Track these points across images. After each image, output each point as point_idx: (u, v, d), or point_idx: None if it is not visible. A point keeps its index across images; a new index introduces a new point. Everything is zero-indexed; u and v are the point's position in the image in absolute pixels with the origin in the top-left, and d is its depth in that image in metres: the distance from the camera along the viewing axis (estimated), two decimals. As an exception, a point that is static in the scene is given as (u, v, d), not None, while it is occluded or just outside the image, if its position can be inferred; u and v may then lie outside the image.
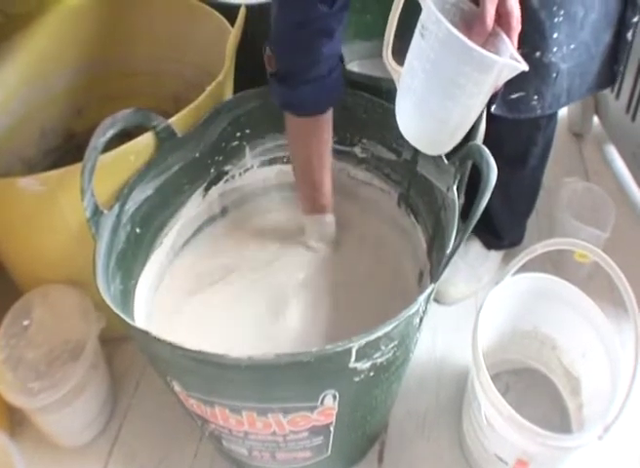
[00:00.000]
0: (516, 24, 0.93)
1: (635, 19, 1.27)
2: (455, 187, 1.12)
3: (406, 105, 1.05)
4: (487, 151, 1.03)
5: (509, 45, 0.92)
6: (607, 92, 1.99)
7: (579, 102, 2.10)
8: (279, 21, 1.16)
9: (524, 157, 1.51)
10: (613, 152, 2.10)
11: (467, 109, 0.99)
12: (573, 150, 2.14)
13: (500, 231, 1.70)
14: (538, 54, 1.21)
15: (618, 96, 1.93)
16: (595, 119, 2.15)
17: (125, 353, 1.58)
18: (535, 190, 1.66)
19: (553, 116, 1.46)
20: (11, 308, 1.38)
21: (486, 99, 0.99)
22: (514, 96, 1.27)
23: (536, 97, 1.27)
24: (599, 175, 2.04)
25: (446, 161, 1.17)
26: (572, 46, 1.23)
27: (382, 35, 1.88)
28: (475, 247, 1.73)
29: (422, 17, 0.93)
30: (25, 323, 1.39)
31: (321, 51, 1.15)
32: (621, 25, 1.28)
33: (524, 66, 0.91)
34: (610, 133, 2.07)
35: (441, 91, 0.96)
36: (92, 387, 1.38)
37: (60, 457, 1.44)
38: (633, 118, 1.85)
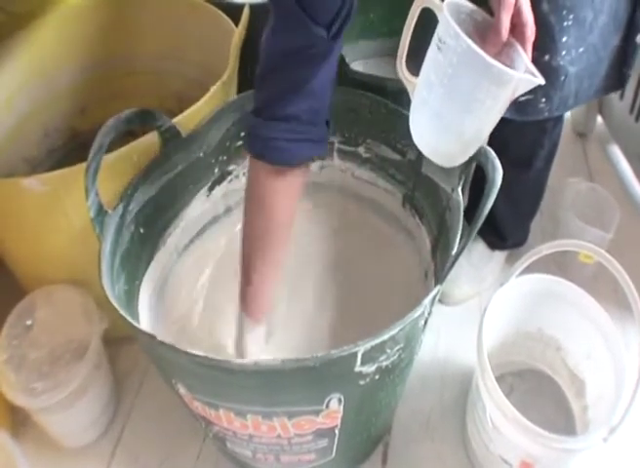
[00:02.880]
0: (531, 35, 0.93)
1: None
2: (459, 188, 1.12)
3: (422, 118, 1.04)
4: (492, 153, 1.03)
5: (524, 56, 0.93)
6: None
7: (583, 102, 2.11)
8: (270, 47, 1.06)
9: (529, 159, 1.51)
10: (616, 152, 2.10)
11: (484, 123, 1.00)
12: (576, 150, 2.14)
13: (504, 232, 1.69)
14: (547, 57, 1.21)
15: (622, 96, 1.94)
16: (599, 119, 2.15)
17: (128, 353, 1.58)
18: (539, 192, 1.66)
19: (559, 119, 1.45)
20: (14, 308, 1.39)
21: (502, 112, 0.99)
22: (522, 98, 1.25)
23: (543, 99, 1.27)
24: (603, 175, 2.04)
25: (451, 162, 1.17)
26: (580, 49, 1.23)
27: (386, 34, 1.89)
28: (479, 247, 1.72)
29: (439, 30, 0.92)
30: (28, 323, 1.40)
31: (309, 81, 1.05)
32: (631, 28, 1.28)
33: (541, 80, 0.91)
34: (614, 133, 2.08)
35: (459, 105, 0.96)
36: (95, 388, 1.38)
37: (63, 458, 1.44)
38: (637, 118, 1.85)
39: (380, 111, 1.33)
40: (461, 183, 1.13)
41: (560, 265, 1.69)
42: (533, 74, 0.91)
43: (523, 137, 1.46)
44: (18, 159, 1.64)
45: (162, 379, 1.11)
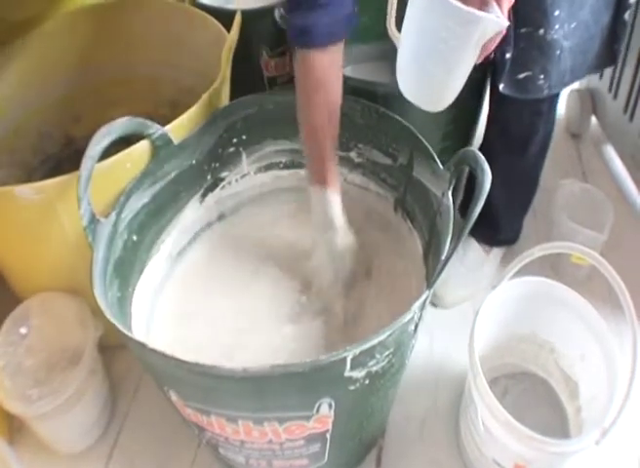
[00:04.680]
0: None
1: (632, 1, 1.32)
2: (449, 193, 1.13)
3: (401, 63, 1.10)
4: (482, 157, 1.04)
5: (496, 9, 0.97)
6: (605, 91, 2.00)
7: (577, 102, 2.11)
8: None
9: (525, 144, 1.53)
10: (610, 152, 2.10)
11: (455, 64, 1.04)
12: (570, 150, 2.15)
13: (499, 223, 1.70)
14: (541, 31, 1.25)
15: (615, 96, 1.94)
16: (593, 119, 2.15)
17: (123, 359, 1.59)
18: (534, 182, 1.67)
19: (554, 103, 1.49)
20: (9, 316, 1.39)
21: (474, 56, 1.03)
22: (521, 75, 1.32)
23: (542, 75, 1.31)
24: (597, 175, 2.05)
25: (441, 166, 1.17)
26: (573, 24, 1.27)
27: (379, 37, 1.89)
28: (474, 250, 1.73)
29: None
30: (24, 330, 1.40)
31: None
32: (620, 6, 1.32)
33: (504, 22, 0.96)
34: (608, 133, 2.07)
35: (427, 46, 1.03)
36: (90, 394, 1.38)
37: (59, 464, 1.44)
38: (631, 118, 1.85)
39: (371, 116, 1.34)
40: (451, 188, 1.14)
41: (554, 266, 1.70)
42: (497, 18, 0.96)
43: (520, 120, 1.48)
44: (13, 166, 1.65)
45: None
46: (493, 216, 1.66)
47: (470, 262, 1.71)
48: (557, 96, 1.45)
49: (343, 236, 1.32)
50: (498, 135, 1.50)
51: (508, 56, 1.30)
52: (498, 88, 1.35)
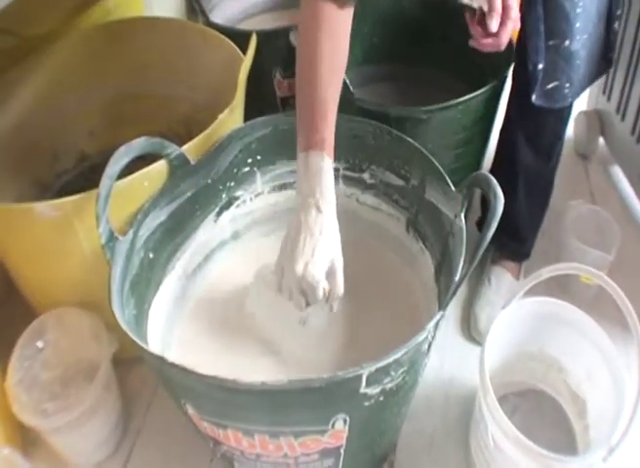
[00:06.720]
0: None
1: (619, 13, 1.40)
2: (462, 214, 1.14)
3: None
4: (494, 181, 1.05)
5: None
6: (612, 113, 2.02)
7: (585, 123, 2.13)
8: None
9: (551, 150, 1.57)
10: (618, 173, 2.11)
11: None
12: (579, 171, 2.17)
13: (524, 233, 1.73)
14: (567, 43, 1.33)
15: (623, 117, 1.95)
16: (601, 140, 2.17)
17: (137, 374, 1.60)
18: (550, 191, 1.70)
19: (571, 109, 1.54)
20: (25, 330, 1.40)
21: None
22: (550, 86, 1.38)
23: (567, 84, 1.38)
24: (604, 195, 2.06)
25: (453, 188, 1.19)
26: (585, 36, 1.34)
27: (390, 58, 1.91)
28: (505, 279, 1.74)
29: None
30: (40, 344, 1.41)
31: None
32: (609, 18, 1.40)
33: None
34: (615, 154, 2.09)
35: None
36: (104, 408, 1.40)
37: (73, 477, 1.45)
38: (638, 139, 1.87)
39: (383, 138, 1.35)
40: (464, 210, 1.15)
41: (562, 286, 1.70)
42: None
43: (547, 128, 1.53)
44: (27, 182, 1.67)
45: (170, 400, 1.13)
46: (518, 228, 1.70)
47: (504, 292, 1.71)
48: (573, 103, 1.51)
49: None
50: (526, 144, 1.53)
51: (541, 66, 1.35)
52: (525, 99, 1.40)
